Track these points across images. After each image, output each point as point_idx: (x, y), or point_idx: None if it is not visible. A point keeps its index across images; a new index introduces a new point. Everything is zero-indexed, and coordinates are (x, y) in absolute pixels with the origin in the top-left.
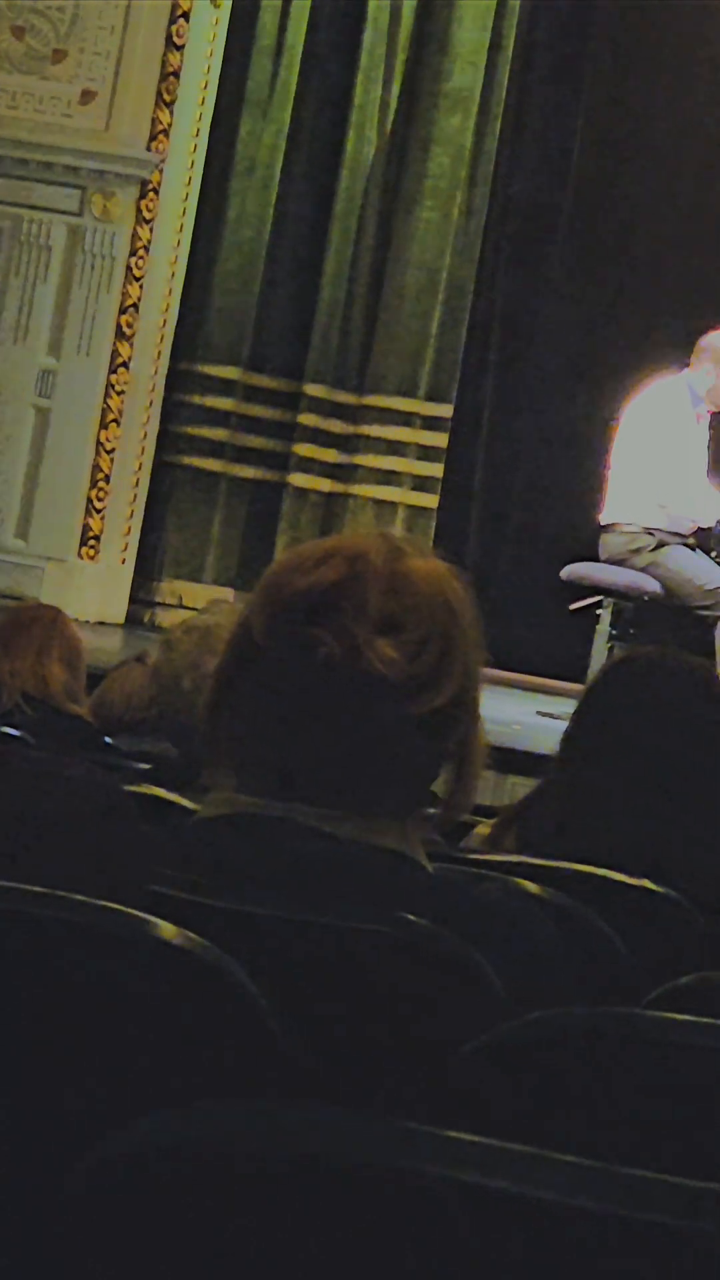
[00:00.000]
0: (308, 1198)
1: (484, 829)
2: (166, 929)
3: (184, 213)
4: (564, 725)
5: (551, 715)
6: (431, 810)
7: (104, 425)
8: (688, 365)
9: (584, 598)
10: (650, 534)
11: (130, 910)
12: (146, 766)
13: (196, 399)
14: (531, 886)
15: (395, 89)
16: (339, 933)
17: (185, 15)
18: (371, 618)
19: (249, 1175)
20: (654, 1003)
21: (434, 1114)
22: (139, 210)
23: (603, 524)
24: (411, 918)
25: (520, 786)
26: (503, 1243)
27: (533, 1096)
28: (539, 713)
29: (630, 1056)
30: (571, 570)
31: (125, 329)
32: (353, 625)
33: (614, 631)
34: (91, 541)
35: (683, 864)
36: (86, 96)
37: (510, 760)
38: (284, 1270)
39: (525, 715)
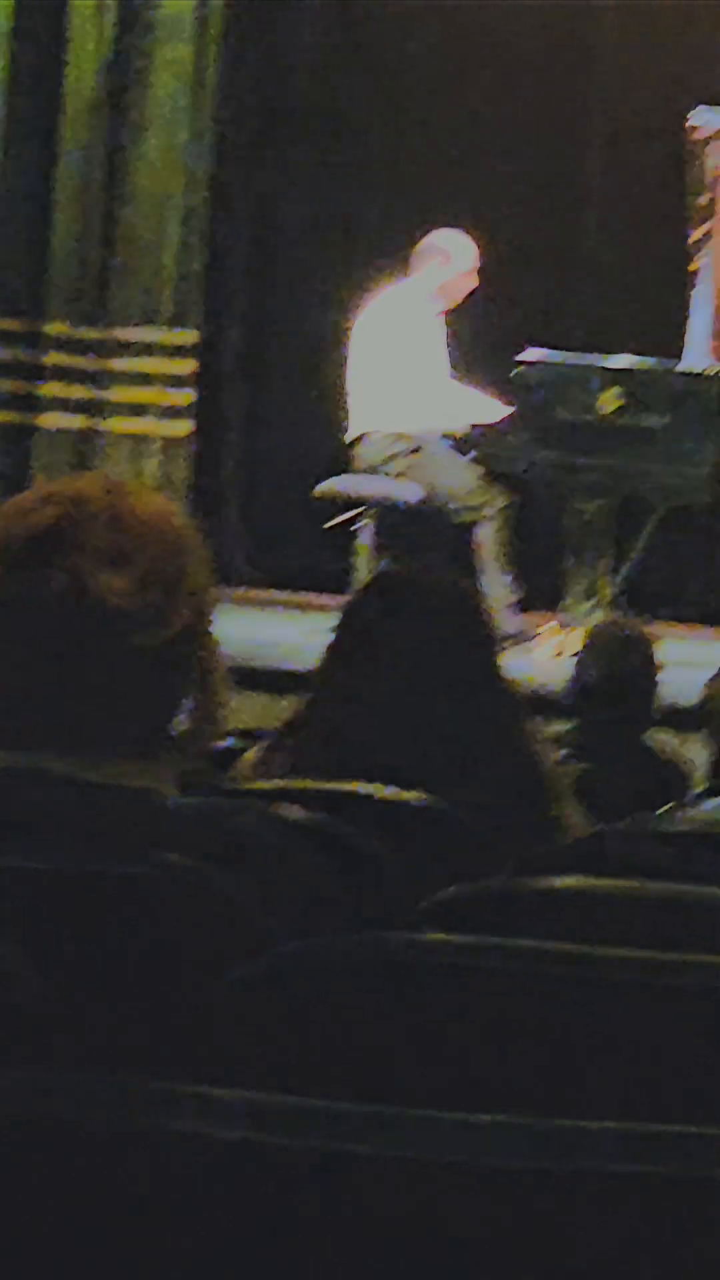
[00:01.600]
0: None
1: (251, 754)
2: None
3: None
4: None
5: (321, 632)
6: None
7: None
8: (409, 271)
9: (344, 512)
10: (402, 439)
11: None
12: None
13: None
14: (293, 811)
15: (112, 17)
16: (91, 879)
17: None
18: (96, 552)
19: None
20: (421, 916)
21: (200, 1055)
22: None
23: (351, 439)
24: (166, 856)
25: (293, 707)
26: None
27: (294, 1027)
28: (309, 630)
29: (387, 979)
30: (326, 485)
31: None
32: (78, 560)
33: (377, 541)
34: None
35: (448, 773)
36: None
37: (281, 682)
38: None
39: (295, 634)
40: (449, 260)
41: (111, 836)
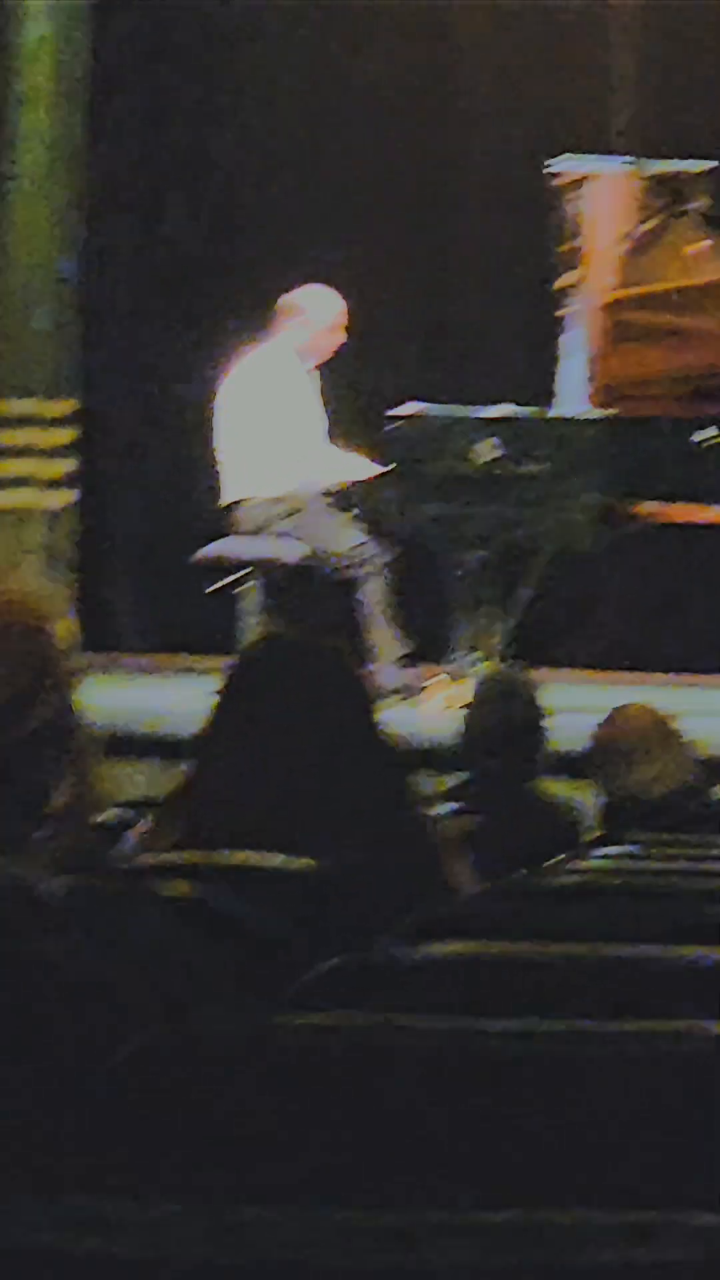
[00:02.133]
0: None
1: (143, 826)
2: None
3: None
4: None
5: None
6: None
7: None
8: (281, 330)
9: (227, 576)
10: (280, 501)
11: None
12: None
13: None
14: (176, 887)
15: None
16: None
17: None
18: None
19: None
20: (303, 991)
21: (80, 1140)
22: None
23: (228, 502)
24: (41, 943)
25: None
26: None
27: (170, 1115)
28: (199, 694)
29: (266, 1061)
30: (206, 551)
31: None
32: None
33: (260, 604)
34: None
35: (332, 837)
36: None
37: (172, 748)
38: None
39: (185, 699)
40: (308, 317)
41: None
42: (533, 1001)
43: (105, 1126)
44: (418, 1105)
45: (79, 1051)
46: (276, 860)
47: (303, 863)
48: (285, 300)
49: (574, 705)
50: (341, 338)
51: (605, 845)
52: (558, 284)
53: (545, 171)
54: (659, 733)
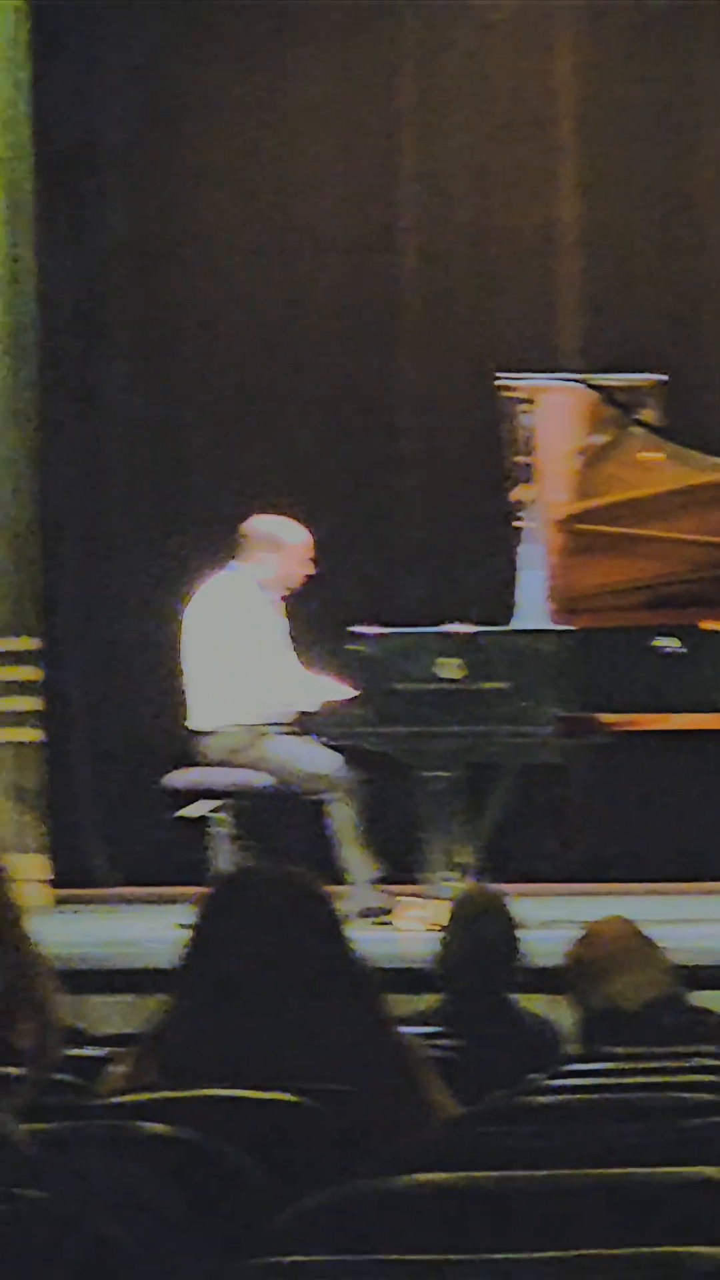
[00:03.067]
0: None
1: (120, 1066)
2: None
3: None
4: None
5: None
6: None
7: None
8: (233, 559)
9: (195, 801)
10: (249, 729)
11: None
12: None
13: None
14: (157, 1127)
15: None
16: None
17: None
18: None
19: None
20: (281, 1230)
21: None
22: None
23: (195, 730)
24: (22, 1194)
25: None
26: None
27: None
28: (174, 924)
29: None
30: (173, 778)
31: None
32: None
33: (232, 831)
34: None
35: (308, 1065)
36: None
37: (147, 981)
38: None
39: (159, 930)
40: (277, 549)
41: None
42: (520, 1229)
43: None
44: None
45: None
46: (254, 1094)
47: (279, 1094)
48: (251, 529)
49: (549, 919)
50: (310, 569)
51: (583, 1061)
52: (513, 496)
53: (496, 384)
54: (634, 945)
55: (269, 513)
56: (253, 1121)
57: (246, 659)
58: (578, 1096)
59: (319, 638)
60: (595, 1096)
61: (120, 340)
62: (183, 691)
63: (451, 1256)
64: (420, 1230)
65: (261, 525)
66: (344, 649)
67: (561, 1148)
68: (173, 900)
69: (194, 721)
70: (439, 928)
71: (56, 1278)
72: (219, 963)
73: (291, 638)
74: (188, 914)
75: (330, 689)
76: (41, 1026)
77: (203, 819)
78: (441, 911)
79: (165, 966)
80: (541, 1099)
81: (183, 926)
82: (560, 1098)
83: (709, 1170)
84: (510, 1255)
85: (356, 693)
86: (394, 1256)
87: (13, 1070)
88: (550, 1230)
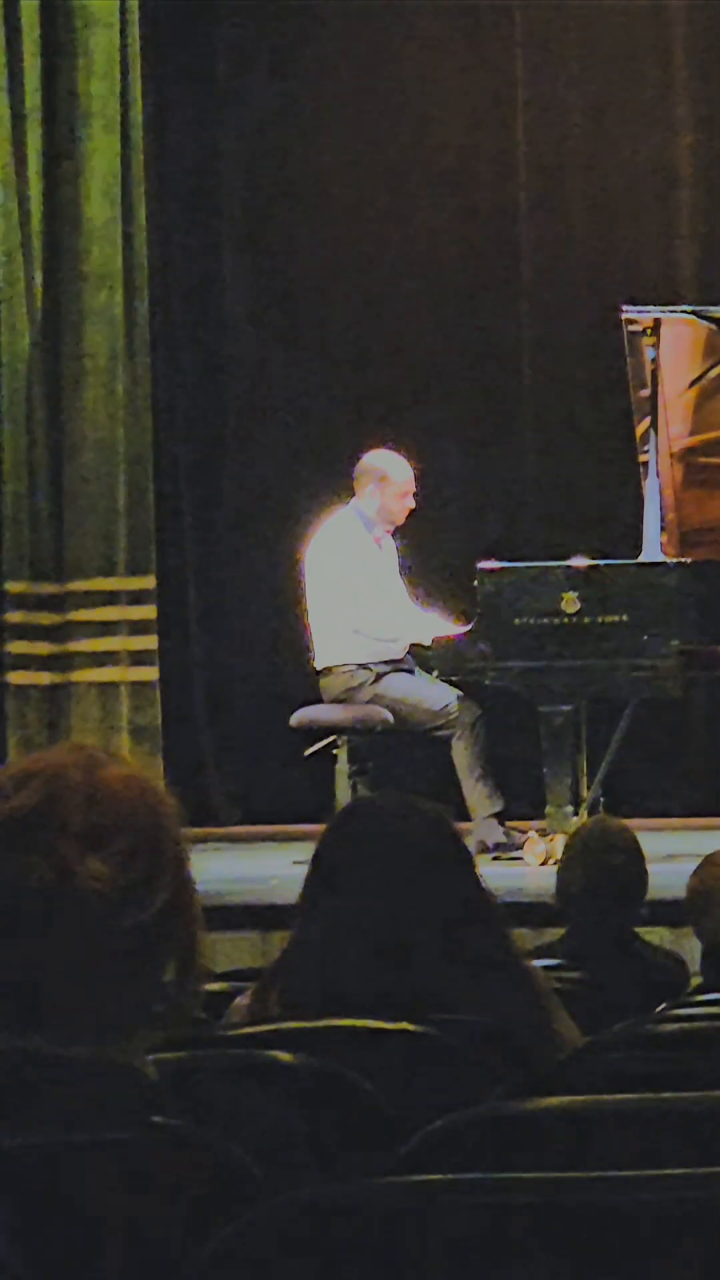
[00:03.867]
0: None
1: (245, 999)
2: None
3: None
4: None
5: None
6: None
7: None
8: (353, 497)
9: (317, 741)
10: (365, 669)
11: None
12: None
13: None
14: (283, 1056)
15: (38, 273)
16: (78, 1152)
17: None
18: (76, 835)
19: None
20: (416, 1152)
21: None
22: None
23: (318, 669)
24: (152, 1119)
25: (285, 941)
26: None
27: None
28: (295, 862)
29: (384, 1226)
30: (300, 716)
31: None
32: (59, 845)
33: (354, 768)
34: None
35: (438, 997)
36: None
37: (271, 917)
38: None
39: (282, 867)
40: (386, 481)
41: (98, 1111)
42: (645, 1152)
43: None
44: (539, 1257)
45: (193, 1226)
46: (378, 1025)
47: (405, 1025)
48: (361, 464)
49: (667, 853)
50: (412, 504)
51: (708, 992)
52: (638, 431)
53: (621, 317)
54: None
55: (385, 449)
56: (377, 1052)
57: (359, 597)
58: (703, 1025)
59: (441, 574)
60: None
61: (236, 277)
62: (305, 631)
63: (577, 1175)
64: (549, 1152)
65: (368, 459)
66: (467, 585)
67: (689, 1073)
68: (292, 838)
69: (316, 660)
70: (560, 862)
71: (190, 1203)
72: (343, 892)
73: (406, 573)
74: (309, 852)
75: (439, 625)
76: (187, 962)
77: (327, 757)
78: (562, 846)
79: (285, 903)
80: (668, 1028)
81: (303, 863)
82: (687, 1026)
83: None
84: (635, 1173)
85: (467, 628)
86: (522, 1175)
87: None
88: (664, 1154)
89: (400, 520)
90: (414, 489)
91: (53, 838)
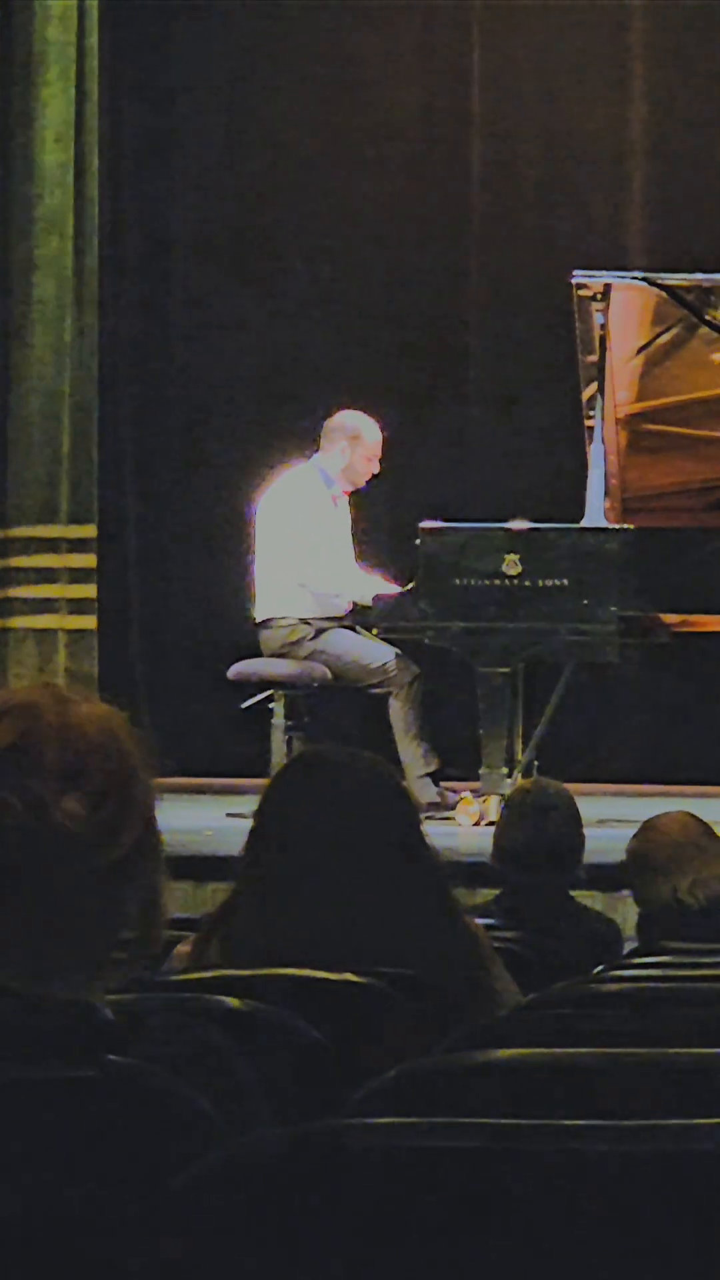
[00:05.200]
0: None
1: (185, 946)
2: None
3: None
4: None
5: (241, 815)
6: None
7: None
8: (316, 451)
9: (254, 694)
10: (307, 623)
11: None
12: None
13: None
14: (232, 1002)
15: None
16: (36, 1088)
17: None
18: (51, 773)
19: None
20: (362, 1102)
21: (155, 1262)
22: None
23: (258, 620)
24: (111, 1058)
25: (220, 892)
26: None
27: (245, 1226)
28: (229, 814)
29: (336, 1168)
30: (238, 669)
31: None
32: (35, 784)
33: (290, 723)
34: None
35: (380, 950)
36: None
37: (206, 868)
38: None
39: (215, 819)
40: (358, 441)
41: (57, 1047)
42: (589, 1104)
43: (177, 1242)
44: (484, 1206)
45: (152, 1168)
46: (322, 975)
47: (348, 975)
48: (337, 419)
49: (600, 818)
50: (376, 468)
51: (643, 956)
52: (584, 395)
53: (571, 282)
54: (695, 840)
55: (341, 408)
56: (319, 1002)
57: (308, 551)
58: (642, 985)
59: (385, 533)
60: (660, 985)
61: (184, 229)
62: (248, 583)
63: (523, 1122)
64: (493, 1102)
65: (342, 417)
66: (407, 545)
67: (629, 1032)
68: (227, 791)
69: (256, 612)
70: (498, 822)
71: (147, 1145)
72: (289, 841)
73: (356, 533)
74: (242, 804)
75: (382, 587)
76: (150, 904)
77: (264, 711)
78: (497, 807)
79: (219, 854)
80: (608, 988)
81: (235, 816)
82: (626, 986)
83: None
84: (576, 1123)
85: (413, 584)
86: (468, 1120)
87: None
88: (603, 1106)
89: (362, 483)
90: (380, 454)
91: (28, 776)
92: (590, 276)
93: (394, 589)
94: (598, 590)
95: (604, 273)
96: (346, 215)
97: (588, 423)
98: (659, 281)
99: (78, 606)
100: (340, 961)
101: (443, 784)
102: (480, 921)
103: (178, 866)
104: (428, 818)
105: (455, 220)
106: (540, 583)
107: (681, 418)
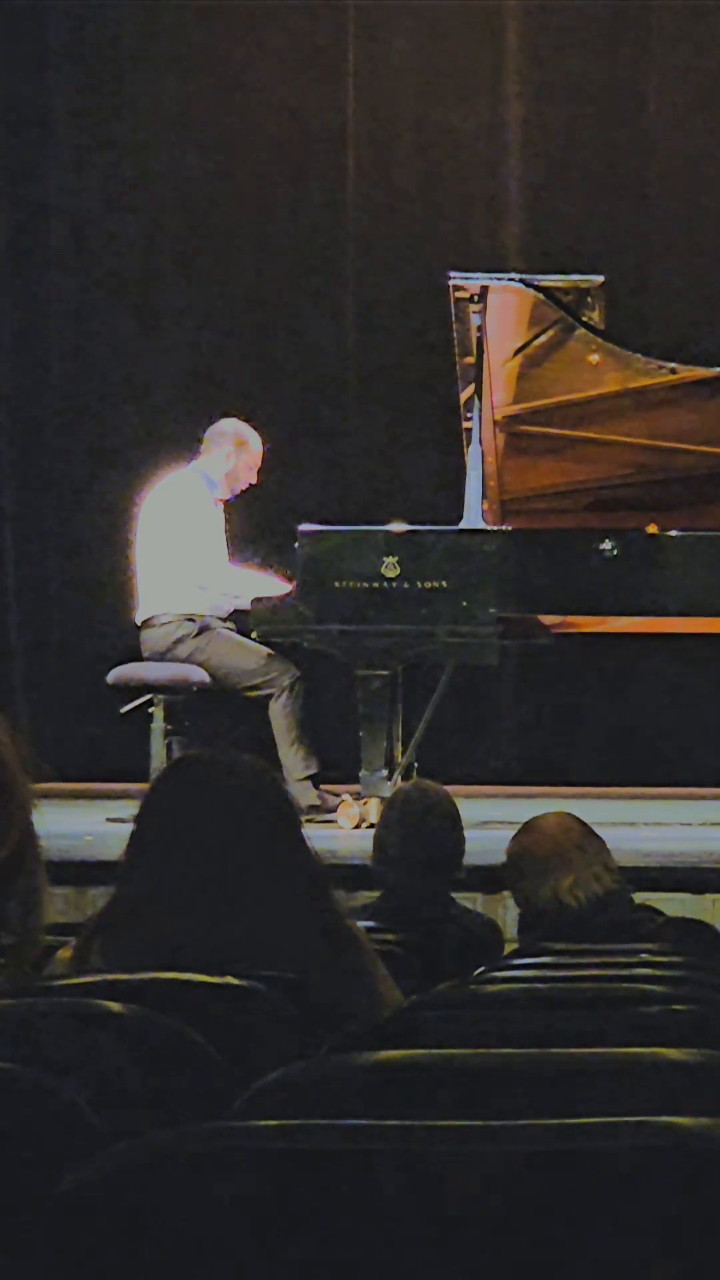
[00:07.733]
0: None
1: (66, 951)
2: None
3: None
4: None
5: (121, 820)
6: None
7: None
8: (196, 455)
9: (134, 699)
10: (190, 620)
11: None
12: None
13: None
14: (112, 1005)
15: None
16: None
17: None
18: None
19: None
20: (247, 1104)
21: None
22: None
23: (139, 622)
24: None
25: (101, 898)
26: None
27: (126, 1230)
28: (109, 819)
29: (216, 1171)
30: (118, 673)
31: None
32: None
33: (169, 727)
34: None
35: (260, 953)
36: None
37: (87, 873)
38: None
39: (95, 825)
40: (243, 447)
41: None
42: (475, 1105)
43: (58, 1252)
44: (365, 1208)
45: (33, 1171)
46: (203, 979)
47: (229, 979)
48: (221, 425)
49: (481, 820)
50: (254, 478)
51: (524, 957)
52: (462, 397)
53: (448, 283)
54: (575, 841)
55: (219, 416)
56: (200, 1006)
57: (202, 553)
58: (522, 986)
59: (264, 536)
60: (542, 987)
61: (56, 239)
62: (129, 585)
63: (412, 1123)
64: (379, 1102)
65: (227, 424)
66: (286, 548)
67: (511, 1033)
68: (108, 796)
69: (138, 614)
70: (378, 825)
71: (28, 1148)
72: (170, 845)
73: (232, 538)
74: (123, 809)
75: (266, 585)
76: (30, 907)
77: (143, 716)
78: (377, 810)
79: (100, 859)
80: (489, 989)
81: (116, 821)
82: (507, 987)
83: (667, 1052)
84: (467, 1123)
85: (289, 588)
86: (355, 1121)
87: None
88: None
89: (240, 490)
90: (260, 464)
91: None
92: (466, 278)
93: (279, 587)
94: (476, 592)
95: (480, 274)
96: (219, 217)
97: (465, 424)
98: (535, 283)
99: None
100: (222, 965)
101: (323, 787)
102: (361, 924)
103: (58, 872)
104: (308, 821)
105: (331, 222)
106: (419, 585)
107: (559, 419)
